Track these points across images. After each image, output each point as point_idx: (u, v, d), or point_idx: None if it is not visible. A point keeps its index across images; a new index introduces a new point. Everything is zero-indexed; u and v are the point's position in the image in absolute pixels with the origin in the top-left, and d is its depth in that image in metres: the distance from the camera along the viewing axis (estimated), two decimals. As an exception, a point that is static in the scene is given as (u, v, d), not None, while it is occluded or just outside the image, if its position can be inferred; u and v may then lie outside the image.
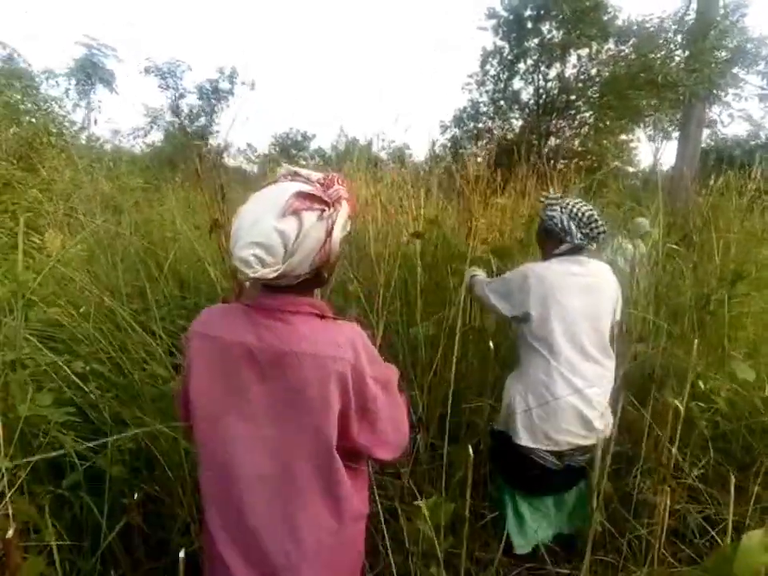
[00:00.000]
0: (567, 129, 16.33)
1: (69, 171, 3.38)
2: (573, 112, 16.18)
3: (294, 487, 1.04)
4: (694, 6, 11.25)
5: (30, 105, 4.75)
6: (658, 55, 10.63)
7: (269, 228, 0.94)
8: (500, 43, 17.01)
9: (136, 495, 1.35)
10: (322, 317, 1.06)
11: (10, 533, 1.01)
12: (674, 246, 2.85)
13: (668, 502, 1.71)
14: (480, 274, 2.28)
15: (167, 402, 1.76)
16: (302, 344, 1.00)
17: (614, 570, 1.95)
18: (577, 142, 15.64)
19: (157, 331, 2.03)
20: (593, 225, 1.93)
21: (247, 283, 1.07)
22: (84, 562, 1.48)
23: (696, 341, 1.91)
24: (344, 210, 1.03)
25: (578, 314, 1.92)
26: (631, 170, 15.87)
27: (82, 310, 2.11)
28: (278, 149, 21.78)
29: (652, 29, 11.52)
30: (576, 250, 1.97)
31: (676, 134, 11.69)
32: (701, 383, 2.16)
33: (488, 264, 2.46)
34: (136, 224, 3.08)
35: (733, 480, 1.34)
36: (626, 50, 12.77)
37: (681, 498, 2.08)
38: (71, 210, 2.97)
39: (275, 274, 0.97)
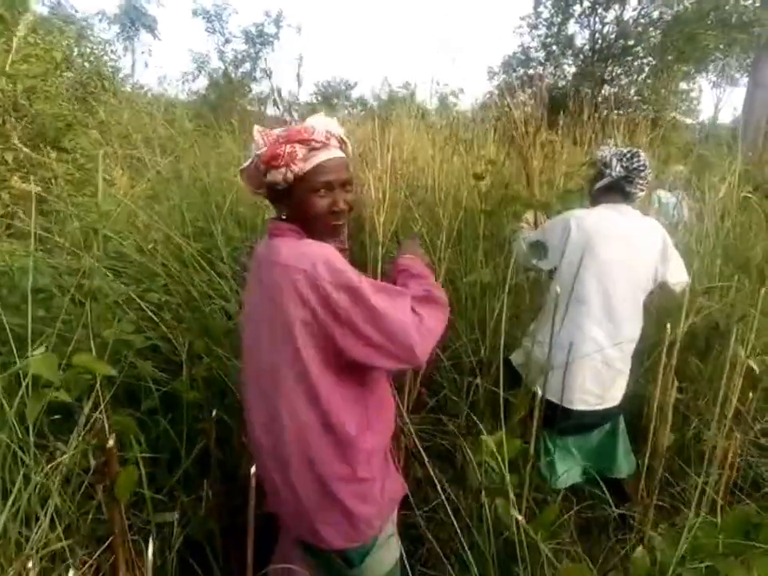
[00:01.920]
0: (624, 76, 15.42)
1: (126, 113, 3.41)
2: (630, 58, 15.23)
3: (278, 391, 1.15)
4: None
5: (83, 48, 4.78)
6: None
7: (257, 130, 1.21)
8: (555, -18, 16.05)
9: (214, 413, 1.41)
10: (300, 238, 1.18)
11: (111, 443, 1.08)
12: (748, 195, 2.69)
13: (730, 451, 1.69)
14: (525, 229, 2.18)
15: (236, 335, 1.82)
16: (275, 255, 1.13)
17: (668, 514, 1.96)
18: (633, 91, 14.75)
19: (222, 268, 2.08)
20: (634, 159, 1.87)
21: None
22: (165, 477, 1.58)
23: (763, 292, 1.82)
24: (261, 163, 1.16)
25: (614, 266, 1.86)
26: (689, 121, 14.94)
27: (150, 247, 2.18)
28: (319, 97, 21.43)
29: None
30: (619, 192, 1.92)
31: (744, 81, 10.84)
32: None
33: (546, 207, 2.38)
34: (194, 166, 3.12)
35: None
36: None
37: (742, 450, 2.05)
38: (132, 151, 3.02)
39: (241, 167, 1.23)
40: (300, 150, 1.14)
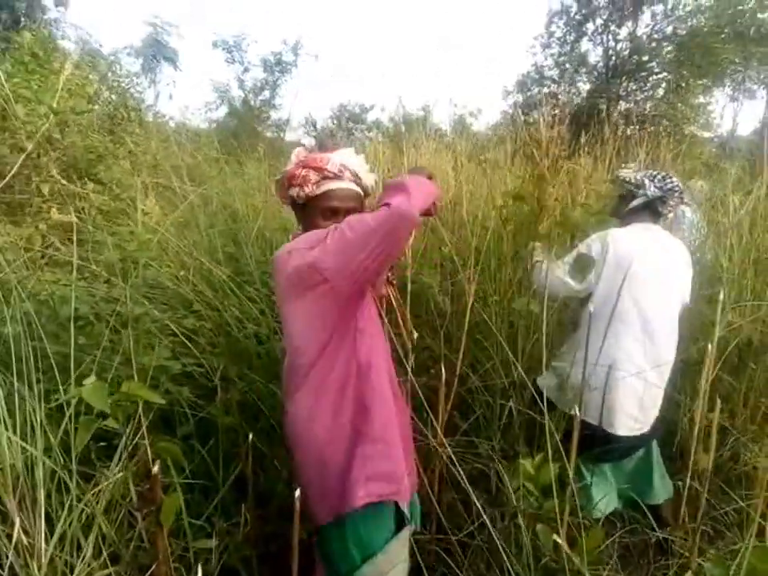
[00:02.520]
0: (639, 92, 15.39)
1: (153, 143, 3.50)
2: (645, 74, 15.22)
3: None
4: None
5: (111, 82, 4.96)
6: (749, 6, 9.71)
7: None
8: (567, 2, 16.20)
9: (251, 437, 1.42)
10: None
11: (155, 469, 1.10)
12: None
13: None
14: (544, 258, 2.12)
15: (270, 359, 1.84)
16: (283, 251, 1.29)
17: (710, 538, 1.90)
18: (649, 106, 14.69)
19: (251, 293, 2.11)
20: (667, 180, 1.90)
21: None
22: (202, 503, 1.58)
23: None
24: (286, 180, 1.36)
25: (651, 285, 1.85)
26: (707, 134, 14.79)
27: (182, 273, 2.22)
28: (335, 121, 21.75)
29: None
30: (650, 212, 1.93)
31: (762, 94, 10.74)
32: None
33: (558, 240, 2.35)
34: (221, 193, 3.19)
35: None
36: (708, 3, 11.75)
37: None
38: (160, 180, 3.09)
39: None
40: (313, 176, 1.32)
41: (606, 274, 1.85)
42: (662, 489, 2.01)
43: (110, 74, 5.06)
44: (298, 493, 0.99)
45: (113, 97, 4.72)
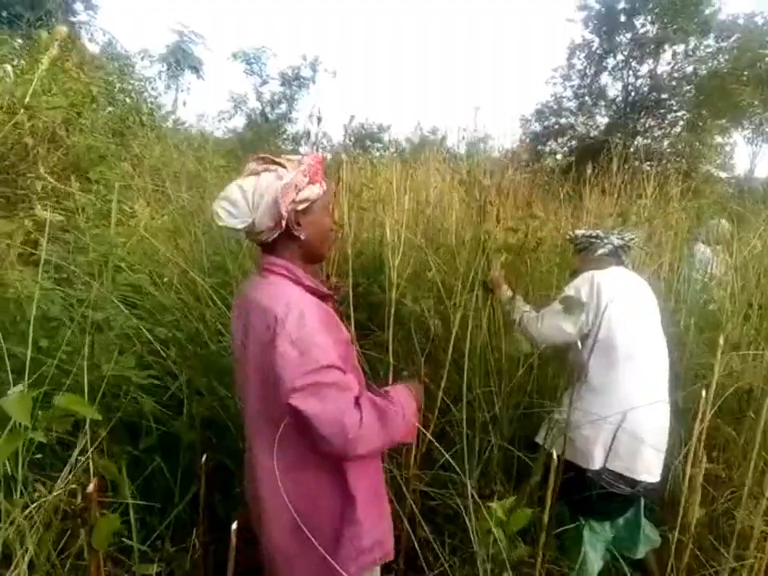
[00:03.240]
0: (656, 128, 15.41)
1: (158, 148, 3.49)
2: (663, 111, 15.26)
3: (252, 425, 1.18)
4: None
5: (124, 84, 5.00)
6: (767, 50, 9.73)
7: (233, 186, 1.15)
8: (589, 36, 16.34)
9: (204, 457, 1.34)
10: (296, 281, 1.17)
11: (91, 487, 1.03)
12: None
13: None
14: (527, 309, 2.08)
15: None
16: (260, 294, 1.15)
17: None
18: (666, 143, 14.69)
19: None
20: (624, 233, 2.00)
21: None
22: (155, 522, 1.50)
23: None
24: (295, 173, 1.15)
25: (651, 316, 1.87)
26: (724, 175, 14.73)
27: (165, 280, 2.17)
28: (352, 138, 21.91)
29: (762, 22, 10.58)
30: (616, 259, 1.98)
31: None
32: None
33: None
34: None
35: None
36: (728, 46, 11.77)
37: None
38: (159, 184, 3.06)
39: (243, 225, 1.14)
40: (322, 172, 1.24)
41: (604, 312, 1.78)
42: (645, 543, 1.92)
43: (123, 77, 5.10)
44: (234, 526, 0.91)
45: (126, 100, 4.74)
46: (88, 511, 1.02)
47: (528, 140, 17.03)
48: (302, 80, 15.40)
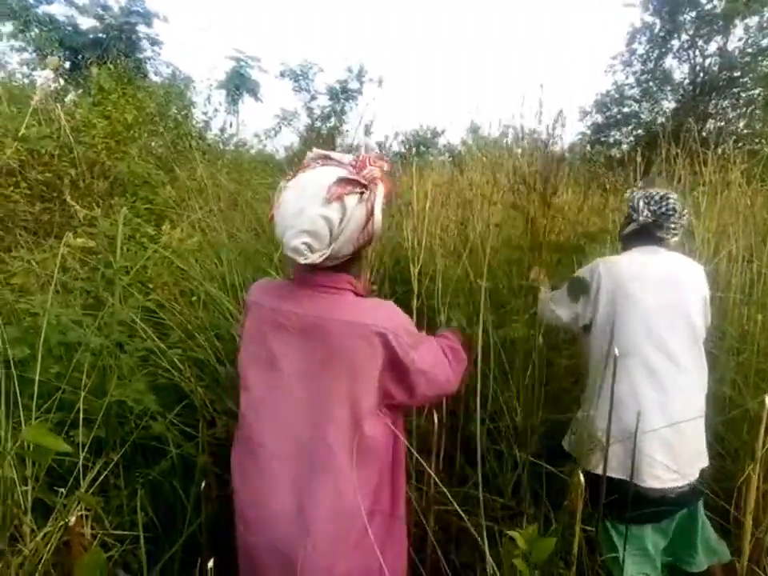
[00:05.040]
0: (730, 109, 14.34)
1: (200, 170, 3.59)
2: (737, 90, 14.18)
3: (318, 455, 1.07)
4: None
5: (174, 110, 5.23)
6: None
7: (315, 216, 1.00)
8: (649, 19, 15.51)
9: (203, 485, 1.31)
10: (358, 294, 1.14)
11: (72, 520, 1.01)
12: None
13: None
14: (544, 291, 1.98)
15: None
16: (340, 313, 1.08)
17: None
18: (742, 124, 13.63)
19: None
20: (663, 202, 1.70)
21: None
22: (164, 550, 1.49)
23: None
24: (380, 189, 1.08)
25: (663, 311, 1.64)
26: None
27: (193, 299, 2.19)
28: (407, 146, 21.98)
29: None
30: (648, 236, 1.74)
31: None
32: None
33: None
34: (256, 219, 3.19)
35: None
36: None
37: None
38: (198, 206, 3.12)
39: (321, 259, 1.03)
40: None
41: (605, 305, 1.66)
42: (707, 554, 1.71)
43: (169, 104, 5.33)
44: (211, 564, 0.85)
45: (170, 125, 4.94)
46: (71, 546, 1.00)
47: (590, 132, 16.39)
48: (349, 92, 15.60)
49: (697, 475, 1.64)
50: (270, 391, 1.12)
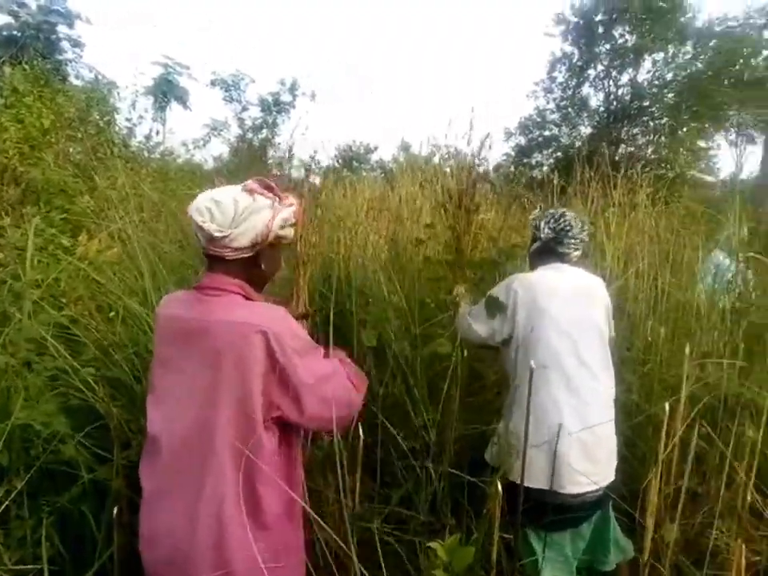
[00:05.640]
0: (640, 136, 15.51)
1: (121, 179, 3.44)
2: (646, 118, 15.37)
3: (209, 458, 1.08)
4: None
5: (96, 116, 5.00)
6: (744, 52, 9.82)
7: (227, 193, 1.15)
8: (568, 49, 16.54)
9: (115, 510, 1.25)
10: (248, 298, 1.18)
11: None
12: (756, 255, 2.49)
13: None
14: (464, 305, 2.06)
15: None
16: (224, 314, 1.12)
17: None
18: (650, 150, 14.77)
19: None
20: (561, 220, 1.84)
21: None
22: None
23: None
24: (290, 210, 1.22)
25: (574, 322, 1.74)
26: (709, 179, 14.76)
27: (111, 314, 2.09)
28: (340, 161, 22.09)
29: (736, 23, 10.71)
30: (551, 254, 1.87)
31: (761, 138, 10.68)
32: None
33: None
34: (181, 230, 3.09)
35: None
36: (705, 51, 11.91)
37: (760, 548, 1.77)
38: (119, 216, 2.99)
39: (220, 234, 1.11)
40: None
41: (524, 318, 1.74)
42: (616, 552, 1.82)
43: (90, 110, 5.09)
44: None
45: (91, 131, 4.71)
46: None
47: (514, 153, 17.17)
48: (282, 105, 15.48)
49: (612, 477, 1.74)
50: (166, 393, 1.16)
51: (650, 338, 2.38)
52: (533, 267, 1.94)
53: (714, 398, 2.05)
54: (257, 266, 1.21)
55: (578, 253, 1.88)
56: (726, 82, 10.18)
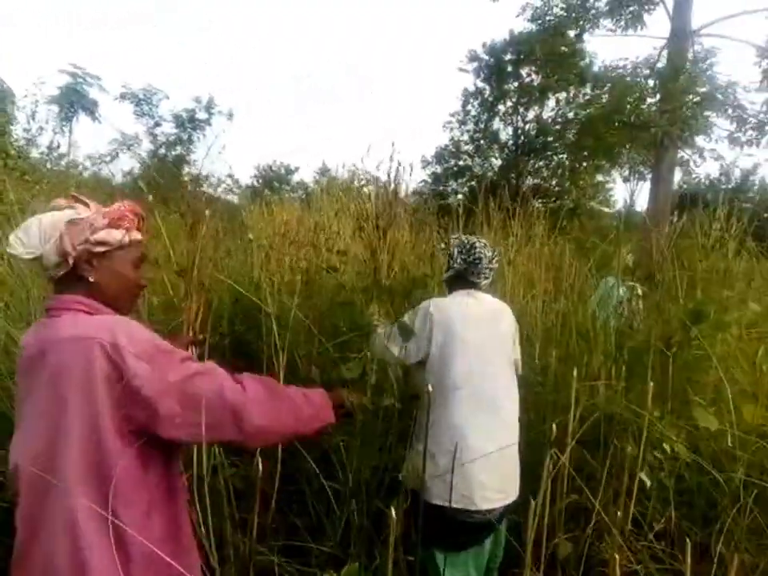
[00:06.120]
0: (544, 169, 16.63)
1: (12, 193, 3.20)
2: (550, 153, 16.50)
3: (59, 488, 1.00)
4: (665, 53, 11.61)
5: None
6: (631, 98, 10.87)
7: (34, 217, 1.11)
8: (481, 85, 17.47)
9: None
10: (91, 313, 1.12)
11: None
12: (632, 284, 2.74)
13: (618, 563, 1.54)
14: (382, 326, 2.08)
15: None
16: (62, 331, 1.07)
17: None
18: (554, 182, 15.90)
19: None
20: (472, 250, 1.94)
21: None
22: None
23: (653, 385, 1.78)
24: (98, 217, 1.13)
25: (483, 346, 1.84)
26: (606, 210, 16.13)
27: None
28: (260, 180, 21.83)
29: (625, 73, 11.88)
30: (464, 281, 1.97)
31: (650, 175, 11.80)
32: (659, 430, 2.00)
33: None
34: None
35: (689, 542, 1.18)
36: (602, 94, 13.03)
37: (639, 558, 1.90)
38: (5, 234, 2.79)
39: (30, 257, 1.09)
40: (134, 222, 1.22)
41: (438, 340, 1.81)
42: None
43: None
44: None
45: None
46: None
47: (430, 181, 17.80)
48: (197, 122, 15.07)
49: (518, 492, 1.82)
50: (21, 425, 1.10)
51: (543, 361, 2.51)
52: (449, 292, 2.03)
53: (599, 417, 2.21)
54: (85, 280, 1.14)
55: (487, 281, 1.98)
56: (616, 124, 11.14)
